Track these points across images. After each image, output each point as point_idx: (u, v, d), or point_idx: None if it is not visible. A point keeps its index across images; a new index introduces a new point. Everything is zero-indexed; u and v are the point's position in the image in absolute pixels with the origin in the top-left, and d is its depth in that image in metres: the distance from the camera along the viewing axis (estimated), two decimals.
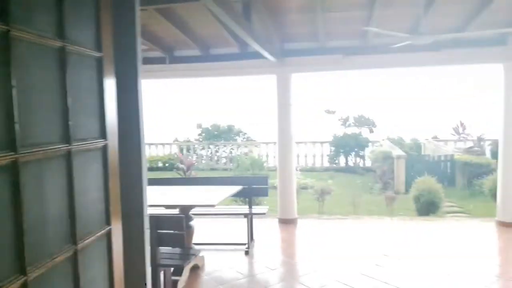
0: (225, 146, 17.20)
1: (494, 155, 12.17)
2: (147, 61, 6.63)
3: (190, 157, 15.90)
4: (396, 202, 8.57)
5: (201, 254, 4.93)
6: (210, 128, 18.48)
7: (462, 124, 14.43)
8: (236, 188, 4.76)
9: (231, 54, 6.49)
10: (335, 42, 6.29)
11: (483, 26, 5.28)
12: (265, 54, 5.52)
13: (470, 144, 13.49)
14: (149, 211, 4.49)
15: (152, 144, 17.64)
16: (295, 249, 5.62)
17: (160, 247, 3.63)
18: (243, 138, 18.21)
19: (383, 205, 8.72)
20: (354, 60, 6.31)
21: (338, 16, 5.49)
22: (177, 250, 4.00)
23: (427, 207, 8.11)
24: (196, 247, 5.31)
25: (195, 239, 5.80)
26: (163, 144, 17.53)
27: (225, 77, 7.20)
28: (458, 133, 14.58)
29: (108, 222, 1.63)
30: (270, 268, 4.80)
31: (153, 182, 5.59)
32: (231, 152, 17.05)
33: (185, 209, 4.17)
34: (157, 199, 4.16)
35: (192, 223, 4.43)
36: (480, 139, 12.76)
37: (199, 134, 18.57)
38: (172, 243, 3.62)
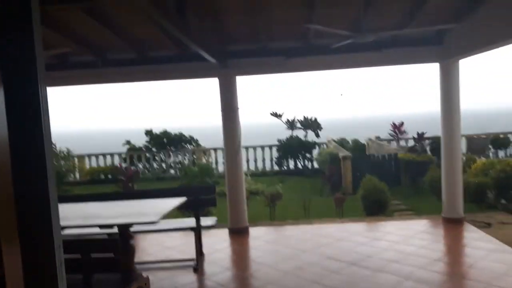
0: (170, 154, 16.58)
1: (434, 152, 12.68)
2: (77, 65, 6.11)
3: (133, 167, 15.18)
4: (345, 203, 8.57)
5: (145, 275, 4.51)
6: (159, 135, 17.62)
7: (395, 125, 15.00)
8: (180, 200, 4.40)
9: (169, 57, 6.13)
10: (278, 44, 6.15)
11: (421, 25, 5.35)
12: (205, 55, 5.22)
13: (411, 143, 13.98)
14: (83, 231, 4.02)
15: (92, 154, 16.67)
16: (247, 261, 5.34)
17: (95, 274, 3.20)
18: (193, 145, 17.60)
19: (333, 207, 8.69)
20: (297, 62, 6.20)
21: (279, 17, 5.33)
22: (116, 274, 3.58)
23: (375, 207, 8.17)
24: (140, 266, 4.89)
25: (139, 257, 5.36)
26: (104, 155, 16.58)
27: (163, 80, 6.80)
28: (396, 134, 15.10)
29: None
30: (221, 284, 4.49)
31: (86, 198, 5.09)
32: (179, 161, 16.46)
33: (123, 228, 3.75)
34: (90, 218, 3.71)
35: (132, 241, 4.00)
36: (420, 137, 13.23)
37: (147, 142, 17.64)
38: (107, 268, 3.21)
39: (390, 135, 15.23)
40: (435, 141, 13.08)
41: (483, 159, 10.44)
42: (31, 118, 1.49)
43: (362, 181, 8.81)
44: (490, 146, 13.77)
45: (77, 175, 15.95)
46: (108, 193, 6.03)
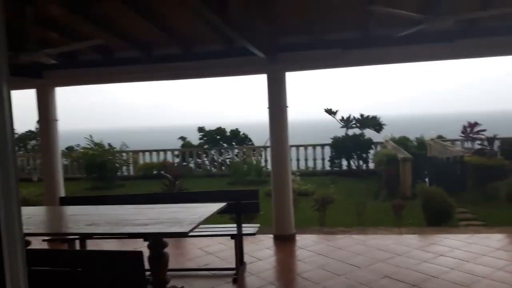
0: (222, 152, 16.45)
1: (507, 155, 11.38)
2: (120, 62, 5.93)
3: (184, 163, 15.24)
4: (404, 209, 7.82)
5: (180, 285, 4.20)
6: (212, 132, 17.71)
7: (471, 124, 13.62)
8: (219, 206, 4.01)
9: (215, 52, 5.77)
10: (333, 35, 5.57)
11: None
12: (252, 49, 4.81)
13: (478, 144, 12.74)
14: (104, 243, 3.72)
15: (147, 150, 16.91)
16: (292, 275, 4.86)
17: None
18: (247, 143, 17.44)
19: (390, 213, 7.98)
20: (355, 54, 5.58)
21: (336, 3, 4.77)
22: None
23: (438, 215, 7.36)
24: (178, 273, 4.61)
25: (179, 262, 5.10)
26: (157, 151, 16.73)
27: (210, 78, 6.48)
28: (466, 133, 13.75)
29: None
30: None
31: (125, 199, 4.88)
32: (225, 159, 16.29)
33: (153, 238, 3.44)
34: (119, 225, 3.43)
35: (164, 251, 3.69)
36: (491, 139, 11.97)
37: (201, 139, 17.78)
38: (131, 286, 2.89)
39: (463, 135, 13.92)
40: (508, 143, 11.79)
41: None
42: None
43: (416, 188, 8.01)
44: None
45: (131, 170, 16.28)
46: (146, 194, 5.82)
